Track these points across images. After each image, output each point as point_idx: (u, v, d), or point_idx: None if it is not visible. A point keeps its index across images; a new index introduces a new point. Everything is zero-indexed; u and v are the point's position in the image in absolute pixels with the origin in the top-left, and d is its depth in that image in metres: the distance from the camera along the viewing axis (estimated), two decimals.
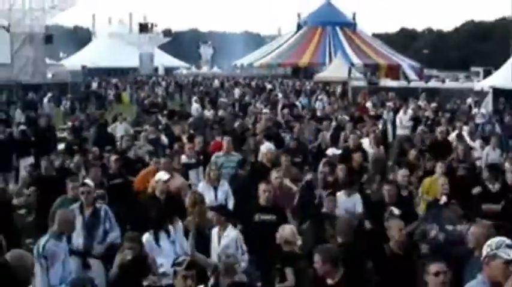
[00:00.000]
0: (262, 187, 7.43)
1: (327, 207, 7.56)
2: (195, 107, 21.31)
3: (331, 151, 10.64)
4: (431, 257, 4.69)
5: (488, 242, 4.03)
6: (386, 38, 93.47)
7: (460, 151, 10.85)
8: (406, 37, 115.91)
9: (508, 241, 4.00)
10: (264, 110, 19.23)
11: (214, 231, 6.75)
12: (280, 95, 28.95)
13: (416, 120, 17.30)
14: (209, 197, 8.15)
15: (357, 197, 8.22)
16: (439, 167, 9.06)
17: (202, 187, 8.58)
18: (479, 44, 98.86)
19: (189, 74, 69.80)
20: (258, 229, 7.11)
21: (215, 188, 8.51)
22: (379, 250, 6.03)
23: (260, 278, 6.69)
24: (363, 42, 67.17)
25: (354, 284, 5.14)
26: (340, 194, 8.05)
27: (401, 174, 8.63)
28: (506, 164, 10.14)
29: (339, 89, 33.13)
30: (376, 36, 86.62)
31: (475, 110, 21.60)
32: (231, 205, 8.45)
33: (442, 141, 12.52)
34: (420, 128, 14.90)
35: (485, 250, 3.98)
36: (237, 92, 33.57)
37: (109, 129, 15.14)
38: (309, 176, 9.26)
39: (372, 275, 5.95)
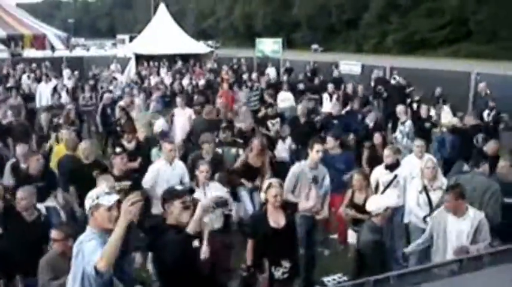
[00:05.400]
0: None
1: None
2: None
3: None
4: None
5: (89, 194, 4.07)
6: (31, 9, 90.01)
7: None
8: (51, 7, 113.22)
9: (107, 190, 4.12)
10: None
11: None
12: None
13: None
14: None
15: None
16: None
17: None
18: (123, 12, 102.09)
19: None
20: None
21: None
22: None
23: None
24: (5, 13, 63.35)
25: None
26: None
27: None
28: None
29: None
30: (20, 6, 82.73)
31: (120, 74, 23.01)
32: None
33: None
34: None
35: (88, 203, 4.03)
36: None
37: None
38: None
39: None
